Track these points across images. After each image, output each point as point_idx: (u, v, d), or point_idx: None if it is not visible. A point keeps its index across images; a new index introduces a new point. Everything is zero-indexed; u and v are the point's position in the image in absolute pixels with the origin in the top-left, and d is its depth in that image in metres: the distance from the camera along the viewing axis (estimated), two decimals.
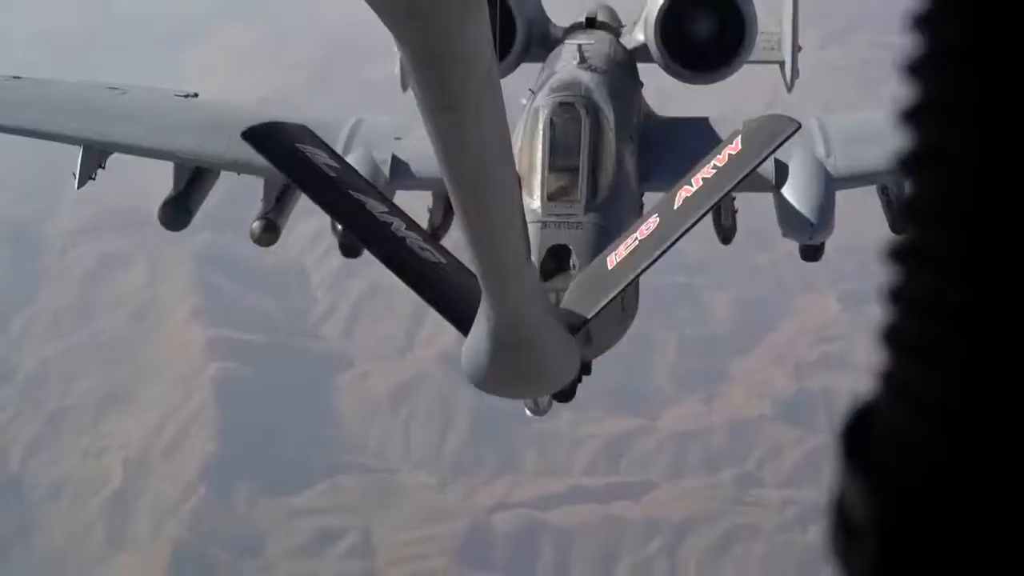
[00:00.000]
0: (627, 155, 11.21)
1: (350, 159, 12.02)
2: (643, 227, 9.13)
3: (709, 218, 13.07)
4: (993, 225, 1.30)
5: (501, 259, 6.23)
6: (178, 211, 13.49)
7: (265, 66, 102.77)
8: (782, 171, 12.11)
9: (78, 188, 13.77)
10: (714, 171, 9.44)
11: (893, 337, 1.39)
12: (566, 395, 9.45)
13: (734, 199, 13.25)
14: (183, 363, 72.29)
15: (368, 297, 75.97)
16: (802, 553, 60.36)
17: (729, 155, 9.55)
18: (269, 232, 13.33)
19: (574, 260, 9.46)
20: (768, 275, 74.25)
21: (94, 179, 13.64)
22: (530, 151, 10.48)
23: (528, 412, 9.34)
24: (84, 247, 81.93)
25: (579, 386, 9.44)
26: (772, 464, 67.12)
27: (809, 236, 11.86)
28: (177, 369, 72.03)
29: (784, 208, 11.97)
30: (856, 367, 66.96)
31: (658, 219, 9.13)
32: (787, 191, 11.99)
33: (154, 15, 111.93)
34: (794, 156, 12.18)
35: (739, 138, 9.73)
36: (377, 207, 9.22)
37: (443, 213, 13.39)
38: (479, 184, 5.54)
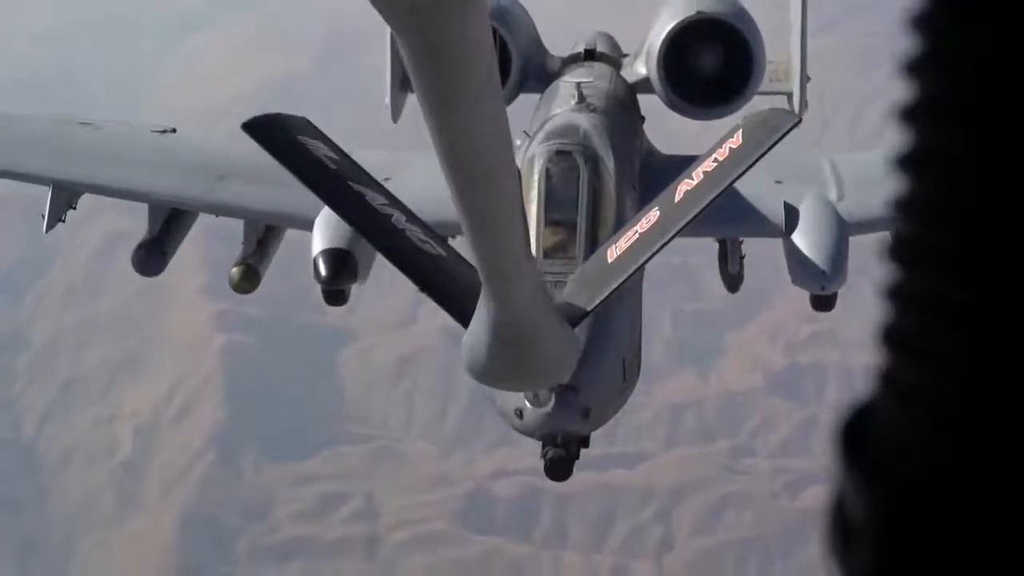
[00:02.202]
0: (628, 206, 10.61)
1: None
2: (643, 220, 8.99)
3: (716, 263, 13.20)
4: (993, 224, 1.29)
5: (501, 256, 6.15)
6: (152, 255, 12.74)
7: (267, 55, 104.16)
8: (792, 216, 11.46)
9: (47, 231, 12.88)
10: (715, 164, 9.30)
11: (892, 336, 1.38)
12: (562, 474, 9.24)
13: (741, 243, 12.83)
14: (191, 335, 73.76)
15: (372, 273, 77.36)
16: (792, 519, 62.06)
17: (730, 149, 9.39)
18: (248, 279, 12.83)
19: None
20: (762, 255, 75.72)
21: (64, 221, 12.84)
22: (524, 203, 9.46)
23: (528, 404, 8.83)
24: (94, 225, 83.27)
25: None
26: (764, 435, 68.62)
27: (821, 286, 11.15)
28: (185, 341, 73.51)
29: (794, 255, 11.26)
30: (846, 344, 68.62)
31: (658, 212, 8.99)
32: (797, 237, 11.30)
33: (155, 5, 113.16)
34: (804, 200, 11.60)
35: (740, 131, 9.55)
36: (377, 199, 9.08)
37: None
38: (479, 182, 5.47)
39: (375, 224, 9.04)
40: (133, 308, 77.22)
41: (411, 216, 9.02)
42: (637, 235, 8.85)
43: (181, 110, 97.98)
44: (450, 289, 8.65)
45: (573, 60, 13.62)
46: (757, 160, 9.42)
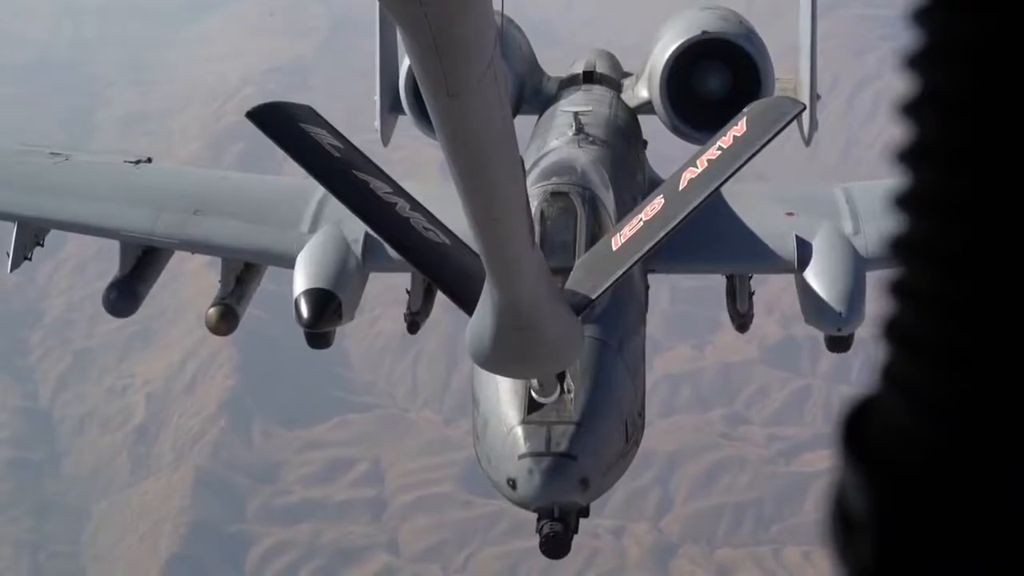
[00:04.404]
0: None
1: (317, 237, 11.01)
2: (647, 208, 8.72)
3: (724, 300, 12.43)
4: (995, 220, 1.27)
5: (505, 243, 6.08)
6: (124, 296, 12.11)
7: (273, 37, 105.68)
8: (805, 251, 10.71)
9: (11, 270, 12.23)
10: (719, 152, 9.01)
11: (894, 331, 1.37)
12: (560, 552, 8.36)
13: (750, 278, 12.18)
14: (201, 307, 75.09)
15: None
16: (785, 484, 63.95)
17: (734, 136, 9.11)
18: (226, 319, 12.12)
19: (568, 383, 8.51)
20: None
21: (30, 259, 12.14)
22: None
23: (534, 394, 8.42)
24: None
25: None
26: (759, 403, 70.62)
27: (837, 327, 10.32)
28: (196, 312, 74.61)
29: (808, 294, 10.49)
30: None
31: (663, 200, 8.73)
32: (811, 274, 10.55)
33: None
34: (818, 234, 10.86)
35: (744, 119, 9.27)
36: (381, 187, 8.85)
37: (423, 298, 12.21)
38: (482, 170, 5.40)
39: (379, 212, 8.80)
40: None
41: (415, 204, 8.83)
42: (641, 223, 8.60)
43: (190, 91, 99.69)
44: (454, 277, 8.50)
45: (571, 82, 13.06)
46: (761, 148, 9.11)
